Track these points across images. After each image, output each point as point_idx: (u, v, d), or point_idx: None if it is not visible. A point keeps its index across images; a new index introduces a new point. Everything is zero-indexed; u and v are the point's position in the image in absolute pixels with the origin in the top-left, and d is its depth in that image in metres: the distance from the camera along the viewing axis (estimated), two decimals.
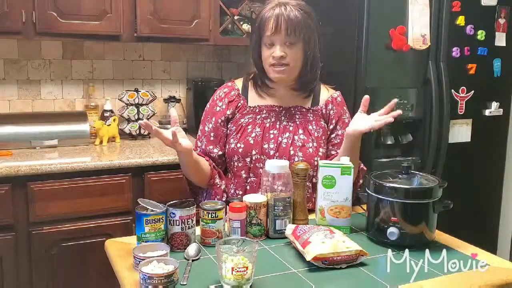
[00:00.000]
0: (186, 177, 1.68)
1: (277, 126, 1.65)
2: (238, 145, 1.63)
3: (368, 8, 2.23)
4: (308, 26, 1.57)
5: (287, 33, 1.55)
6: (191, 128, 2.84)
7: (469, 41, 2.49)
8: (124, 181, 2.23)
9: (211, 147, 1.67)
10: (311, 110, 1.69)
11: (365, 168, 1.73)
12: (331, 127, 1.69)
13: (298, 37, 1.56)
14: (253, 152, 1.61)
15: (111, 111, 2.71)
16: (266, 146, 1.62)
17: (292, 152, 1.60)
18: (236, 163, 1.64)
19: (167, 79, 2.96)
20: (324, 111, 1.70)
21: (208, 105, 1.74)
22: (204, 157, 1.65)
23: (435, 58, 2.40)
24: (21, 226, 2.08)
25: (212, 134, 1.67)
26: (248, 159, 1.62)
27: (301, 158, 1.60)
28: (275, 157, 1.60)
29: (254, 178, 1.62)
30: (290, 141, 1.62)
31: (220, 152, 1.67)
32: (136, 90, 2.70)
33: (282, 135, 1.63)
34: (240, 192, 1.62)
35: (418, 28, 2.32)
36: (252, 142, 1.62)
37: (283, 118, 1.67)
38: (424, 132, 2.43)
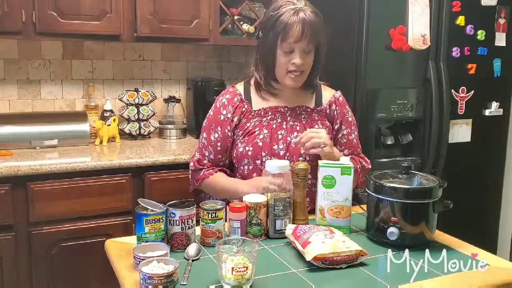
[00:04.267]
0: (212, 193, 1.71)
1: (284, 126, 1.65)
2: (247, 148, 1.62)
3: (368, 8, 2.23)
4: (323, 31, 1.58)
5: (310, 41, 1.54)
6: (191, 128, 2.84)
7: (469, 41, 2.49)
8: (124, 181, 2.22)
9: (219, 156, 1.69)
10: (315, 110, 1.70)
11: (369, 167, 1.75)
12: (336, 127, 1.71)
13: (314, 44, 1.57)
14: (263, 154, 1.61)
15: (111, 111, 2.71)
16: (275, 147, 1.62)
17: (302, 151, 1.59)
18: (246, 166, 1.64)
19: (167, 79, 2.95)
20: (328, 111, 1.71)
21: (211, 112, 1.71)
22: (215, 168, 1.68)
23: (435, 58, 2.40)
24: (21, 226, 2.08)
25: (219, 144, 1.67)
26: (258, 162, 1.62)
27: (311, 158, 1.59)
28: (285, 157, 1.60)
29: None
30: None
31: (227, 161, 1.71)
32: (136, 90, 2.70)
33: (290, 135, 1.63)
34: None
35: (418, 28, 2.32)
36: (260, 144, 1.61)
37: (289, 118, 1.67)
38: (424, 132, 2.43)
